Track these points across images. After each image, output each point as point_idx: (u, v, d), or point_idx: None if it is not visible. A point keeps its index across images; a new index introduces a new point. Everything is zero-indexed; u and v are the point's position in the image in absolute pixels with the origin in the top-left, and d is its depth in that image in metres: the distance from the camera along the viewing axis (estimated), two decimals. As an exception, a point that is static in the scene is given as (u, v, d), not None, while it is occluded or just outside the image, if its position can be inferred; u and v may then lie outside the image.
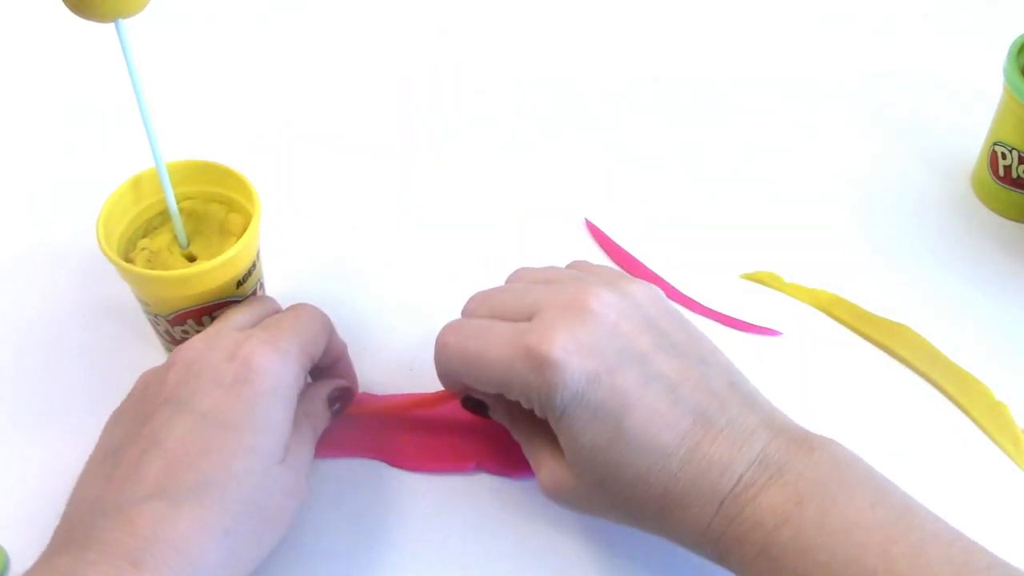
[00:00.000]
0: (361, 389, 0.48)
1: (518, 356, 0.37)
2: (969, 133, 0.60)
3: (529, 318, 0.38)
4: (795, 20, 0.71)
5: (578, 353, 0.36)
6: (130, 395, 0.41)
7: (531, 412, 0.39)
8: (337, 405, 0.44)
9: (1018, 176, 0.55)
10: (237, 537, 0.36)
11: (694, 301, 0.53)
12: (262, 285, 0.48)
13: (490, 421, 0.43)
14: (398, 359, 0.50)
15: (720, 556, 0.36)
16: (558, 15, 0.71)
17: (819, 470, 0.35)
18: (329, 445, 0.46)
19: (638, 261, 0.54)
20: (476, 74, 0.66)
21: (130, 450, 0.37)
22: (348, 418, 0.47)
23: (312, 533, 0.43)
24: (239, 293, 0.45)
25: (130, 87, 0.40)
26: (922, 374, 0.50)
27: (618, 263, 0.55)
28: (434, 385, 0.48)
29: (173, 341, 0.46)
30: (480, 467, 0.45)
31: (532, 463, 0.41)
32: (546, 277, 0.42)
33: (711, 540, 0.36)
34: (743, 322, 0.52)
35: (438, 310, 0.52)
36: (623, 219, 0.57)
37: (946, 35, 0.70)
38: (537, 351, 0.36)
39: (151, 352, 0.50)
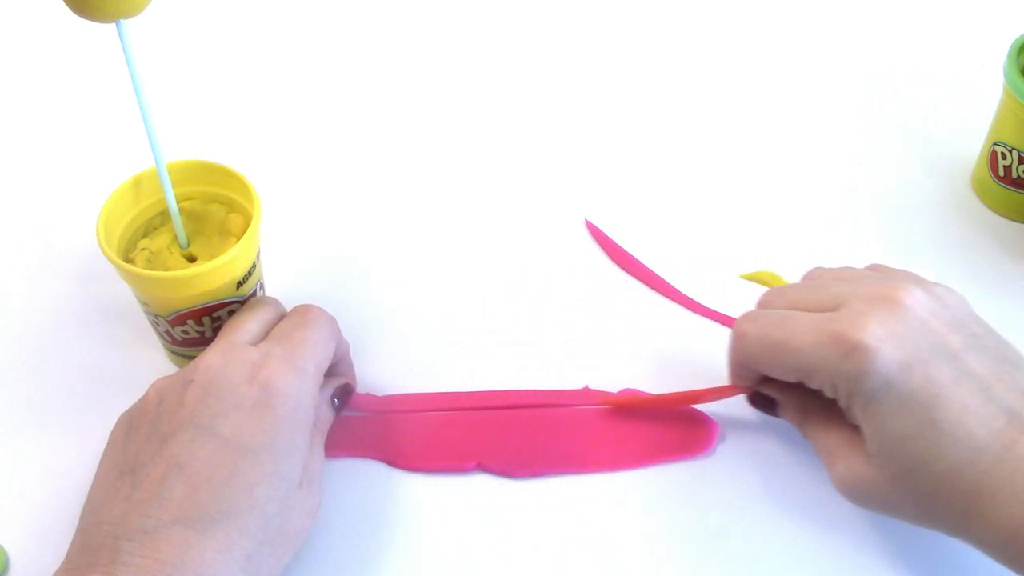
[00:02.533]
0: (361, 389, 0.48)
1: (826, 342, 0.37)
2: (969, 133, 0.60)
3: (833, 309, 0.39)
4: (796, 20, 0.71)
5: (890, 341, 0.37)
6: (142, 405, 0.40)
7: (825, 407, 0.39)
8: (338, 402, 0.45)
9: (1018, 176, 0.55)
10: (259, 561, 0.37)
11: (694, 301, 0.53)
12: (262, 285, 0.48)
13: (492, 420, 0.43)
14: (398, 359, 0.50)
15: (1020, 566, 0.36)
16: (558, 15, 0.71)
17: None
18: (329, 445, 0.46)
19: (638, 261, 0.54)
20: (476, 74, 0.66)
21: (151, 470, 0.37)
22: (348, 418, 0.47)
23: (312, 533, 0.43)
24: (239, 294, 0.45)
25: (130, 87, 0.40)
26: (922, 374, 0.50)
27: (618, 263, 0.55)
28: (433, 386, 0.49)
29: (173, 341, 0.46)
30: (480, 467, 0.45)
31: (826, 459, 0.40)
32: (844, 275, 0.43)
33: (1019, 545, 0.35)
34: (743, 322, 0.52)
35: (438, 310, 0.52)
36: (623, 219, 0.57)
37: (946, 35, 0.70)
38: (848, 337, 0.37)
39: (151, 352, 0.50)
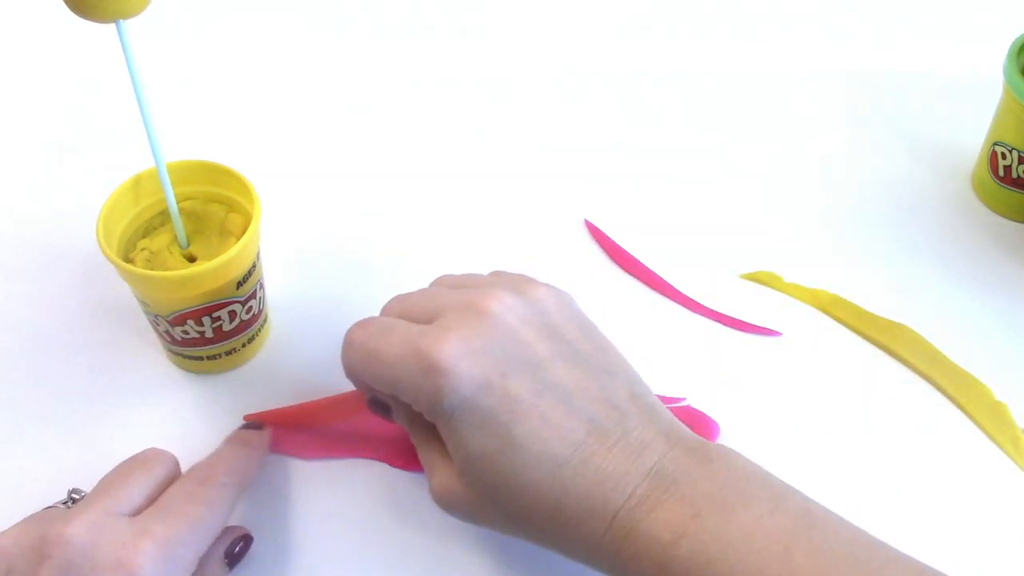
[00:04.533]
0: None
1: (409, 357, 0.36)
2: (969, 133, 0.60)
3: (431, 320, 0.38)
4: (795, 20, 0.71)
5: (468, 358, 0.35)
6: None
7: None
8: (237, 550, 0.40)
9: (1018, 176, 0.55)
10: None
11: (694, 301, 0.53)
12: (262, 285, 0.48)
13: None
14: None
15: (617, 574, 0.35)
16: (558, 15, 0.71)
17: (715, 481, 0.34)
18: (329, 445, 0.46)
19: (638, 261, 0.54)
20: (476, 74, 0.66)
21: None
22: (346, 419, 0.47)
23: (312, 533, 0.43)
24: (239, 294, 0.45)
25: (130, 87, 0.40)
26: (922, 374, 0.50)
27: (618, 263, 0.55)
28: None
29: (173, 341, 0.46)
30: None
31: (426, 469, 0.39)
32: (460, 282, 0.41)
33: (606, 556, 0.35)
34: (743, 322, 0.52)
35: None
36: (623, 219, 0.57)
37: (946, 35, 0.69)
38: (427, 354, 0.36)
39: (151, 352, 0.50)
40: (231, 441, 0.43)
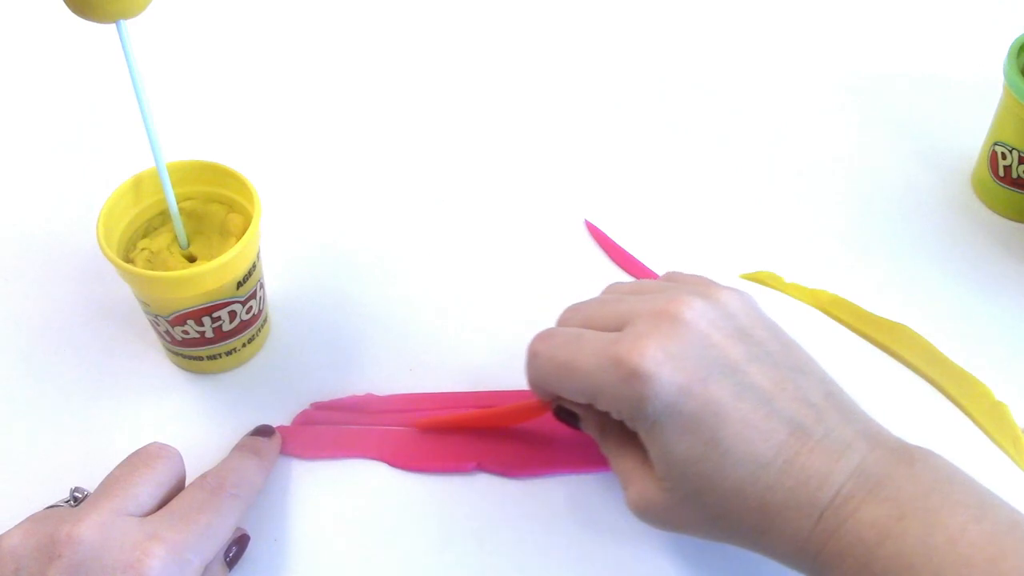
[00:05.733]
0: (361, 389, 0.48)
1: (608, 366, 0.36)
2: (969, 133, 0.60)
3: (620, 328, 0.38)
4: (795, 20, 0.71)
5: (669, 364, 0.36)
6: None
7: (621, 425, 0.38)
8: (232, 556, 0.41)
9: (1018, 176, 0.55)
10: None
11: (694, 301, 0.53)
12: (262, 285, 0.48)
13: (498, 424, 0.43)
14: (398, 359, 0.50)
15: (820, 572, 0.35)
16: (558, 15, 0.71)
17: (920, 484, 0.34)
18: (329, 445, 0.46)
19: (638, 261, 0.54)
20: (476, 74, 0.66)
21: None
22: (347, 420, 0.47)
23: (312, 533, 0.43)
24: (239, 294, 0.45)
25: (130, 87, 0.40)
26: (922, 374, 0.50)
27: (618, 263, 0.55)
28: (433, 386, 0.49)
29: (173, 341, 0.46)
30: (480, 467, 0.45)
31: (621, 479, 0.40)
32: (638, 288, 0.41)
33: (810, 554, 0.35)
34: (743, 322, 0.52)
35: (438, 311, 0.52)
36: (623, 219, 0.57)
37: (946, 35, 0.70)
38: (627, 361, 0.36)
39: (151, 352, 0.50)
40: (242, 448, 0.43)
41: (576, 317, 0.41)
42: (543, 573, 0.42)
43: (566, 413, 0.42)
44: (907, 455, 0.36)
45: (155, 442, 0.40)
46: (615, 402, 0.37)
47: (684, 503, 0.37)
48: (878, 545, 0.34)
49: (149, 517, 0.37)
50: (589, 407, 0.39)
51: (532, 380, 0.41)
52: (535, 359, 0.40)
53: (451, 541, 0.43)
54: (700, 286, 0.40)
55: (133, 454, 0.39)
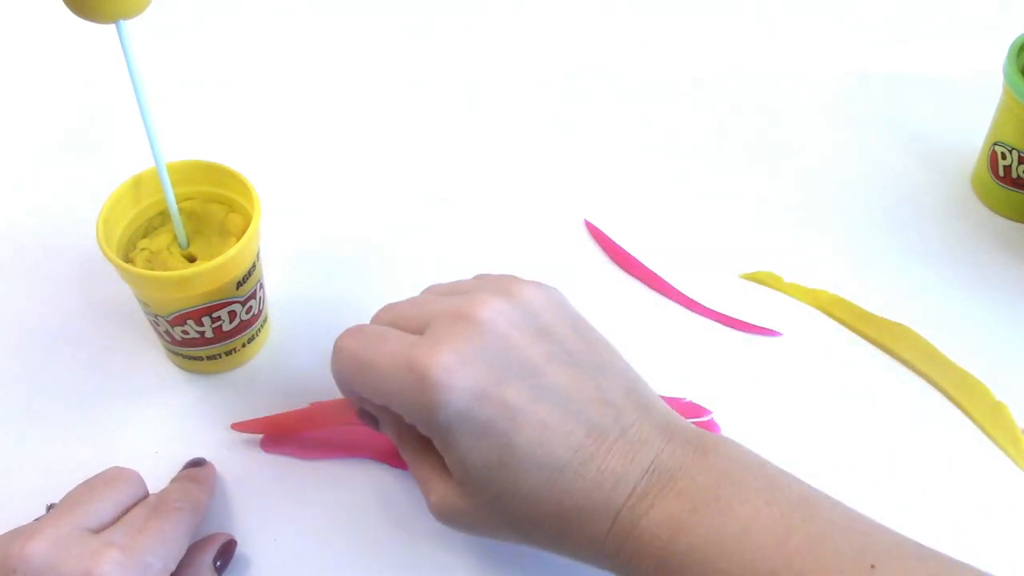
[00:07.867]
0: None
1: (401, 370, 0.35)
2: (969, 133, 0.60)
3: (423, 330, 0.37)
4: (795, 20, 0.71)
5: (462, 370, 0.34)
6: None
7: (419, 431, 0.37)
8: (221, 563, 0.41)
9: (1018, 176, 0.55)
10: None
11: (694, 301, 0.53)
12: (262, 285, 0.48)
13: None
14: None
15: (623, 573, 0.35)
16: (558, 15, 0.71)
17: (712, 473, 0.34)
18: (329, 445, 0.46)
19: (638, 261, 0.54)
20: (476, 74, 0.66)
21: None
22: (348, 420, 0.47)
23: (312, 533, 0.43)
24: (239, 294, 0.45)
25: (130, 87, 0.40)
26: (922, 374, 0.50)
27: (618, 263, 0.55)
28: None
29: (173, 341, 0.46)
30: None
31: (421, 485, 0.38)
32: (451, 289, 0.40)
33: (609, 556, 0.35)
34: (743, 322, 0.52)
35: (438, 310, 0.52)
36: (623, 219, 0.57)
37: (946, 35, 0.69)
38: (418, 367, 0.35)
39: (151, 352, 0.50)
40: (179, 479, 0.43)
41: (387, 316, 0.39)
42: (543, 572, 0.42)
43: (366, 414, 0.41)
44: (702, 445, 0.35)
45: (116, 466, 0.41)
46: (407, 407, 0.36)
47: (485, 509, 0.36)
48: (672, 541, 0.33)
49: (103, 532, 0.37)
50: (387, 409, 0.38)
51: (335, 376, 0.39)
52: (339, 354, 0.38)
53: (451, 541, 0.43)
54: (503, 284, 0.38)
55: (95, 476, 0.40)
